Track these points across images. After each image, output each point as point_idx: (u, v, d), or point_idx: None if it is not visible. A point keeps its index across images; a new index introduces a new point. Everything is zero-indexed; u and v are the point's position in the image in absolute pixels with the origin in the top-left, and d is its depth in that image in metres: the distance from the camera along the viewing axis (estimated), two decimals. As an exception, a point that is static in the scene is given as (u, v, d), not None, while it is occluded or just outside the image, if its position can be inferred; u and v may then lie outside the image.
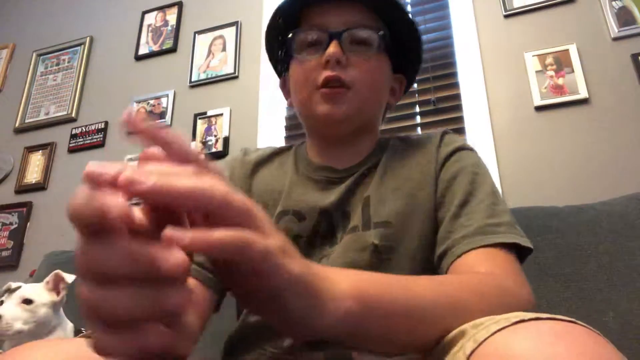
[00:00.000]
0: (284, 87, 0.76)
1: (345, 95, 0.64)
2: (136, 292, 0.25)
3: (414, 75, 0.77)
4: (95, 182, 0.25)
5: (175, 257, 0.25)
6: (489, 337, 0.34)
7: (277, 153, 0.76)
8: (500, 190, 1.04)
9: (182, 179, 0.26)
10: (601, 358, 0.30)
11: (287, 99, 0.76)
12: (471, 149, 0.69)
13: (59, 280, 1.22)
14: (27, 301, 1.15)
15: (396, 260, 0.60)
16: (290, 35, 0.68)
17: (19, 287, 1.21)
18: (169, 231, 0.25)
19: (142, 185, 0.24)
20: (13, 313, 1.13)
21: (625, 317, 0.97)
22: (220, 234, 0.26)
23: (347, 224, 0.63)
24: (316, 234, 0.64)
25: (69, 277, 1.22)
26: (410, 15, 0.69)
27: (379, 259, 0.60)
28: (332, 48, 0.63)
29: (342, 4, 0.66)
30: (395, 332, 0.38)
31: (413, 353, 0.41)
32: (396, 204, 0.63)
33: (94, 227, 0.24)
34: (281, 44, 0.71)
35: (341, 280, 0.35)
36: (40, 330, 1.16)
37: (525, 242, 0.56)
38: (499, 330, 0.34)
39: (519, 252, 0.56)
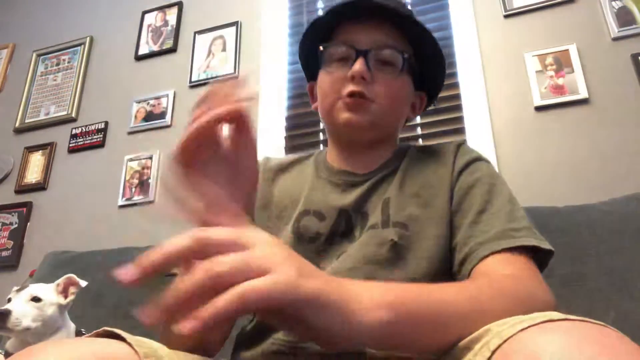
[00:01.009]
0: (312, 93, 0.81)
1: (368, 106, 0.68)
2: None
3: (435, 93, 0.81)
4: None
5: None
6: (514, 334, 0.34)
7: (297, 161, 0.80)
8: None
9: None
10: None
11: (312, 103, 0.81)
12: (487, 161, 0.73)
13: (70, 283, 1.22)
14: (36, 299, 1.15)
15: (412, 257, 0.62)
16: (321, 49, 0.73)
17: (27, 286, 1.20)
18: (179, 326, 0.29)
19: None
20: (22, 309, 1.13)
21: (626, 316, 0.97)
22: (219, 303, 0.30)
23: (366, 223, 0.66)
24: (335, 232, 0.67)
25: (83, 282, 1.22)
26: (435, 39, 0.72)
27: (397, 255, 0.62)
28: (358, 65, 0.66)
29: (372, 24, 0.70)
30: (424, 338, 0.40)
31: (434, 354, 0.42)
32: (414, 209, 0.66)
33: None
34: (312, 53, 0.76)
35: (370, 290, 0.37)
36: (45, 329, 1.16)
37: (545, 244, 0.58)
38: (525, 328, 0.34)
39: (539, 256, 0.58)
